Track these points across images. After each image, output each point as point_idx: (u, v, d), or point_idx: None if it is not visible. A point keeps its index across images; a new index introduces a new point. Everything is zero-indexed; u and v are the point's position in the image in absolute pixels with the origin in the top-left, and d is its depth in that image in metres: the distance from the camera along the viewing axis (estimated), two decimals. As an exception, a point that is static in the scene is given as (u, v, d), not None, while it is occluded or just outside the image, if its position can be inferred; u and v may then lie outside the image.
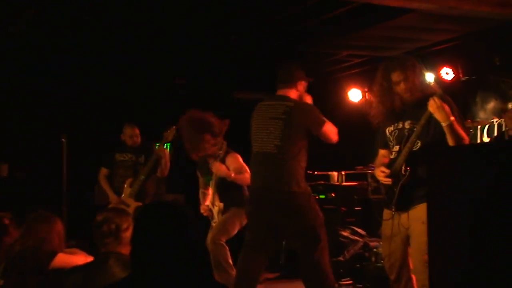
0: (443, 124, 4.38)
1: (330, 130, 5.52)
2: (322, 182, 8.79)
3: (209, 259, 6.09)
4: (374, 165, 5.10)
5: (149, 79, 9.71)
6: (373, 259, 7.22)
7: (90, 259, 4.20)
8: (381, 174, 4.69)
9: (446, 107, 4.37)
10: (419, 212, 4.42)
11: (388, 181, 4.60)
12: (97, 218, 3.91)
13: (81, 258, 4.31)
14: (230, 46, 8.88)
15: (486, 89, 8.72)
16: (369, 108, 4.96)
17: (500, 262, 2.52)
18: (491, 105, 8.63)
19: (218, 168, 6.36)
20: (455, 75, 8.52)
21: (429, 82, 4.85)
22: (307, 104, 5.59)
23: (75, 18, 7.47)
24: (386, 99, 4.73)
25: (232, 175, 6.41)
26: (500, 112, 8.19)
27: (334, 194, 8.60)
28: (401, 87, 4.61)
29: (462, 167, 2.71)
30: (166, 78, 9.89)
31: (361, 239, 7.78)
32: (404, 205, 4.55)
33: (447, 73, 8.50)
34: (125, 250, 3.78)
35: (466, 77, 8.61)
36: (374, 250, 7.28)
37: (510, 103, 7.94)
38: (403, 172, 4.53)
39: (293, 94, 5.61)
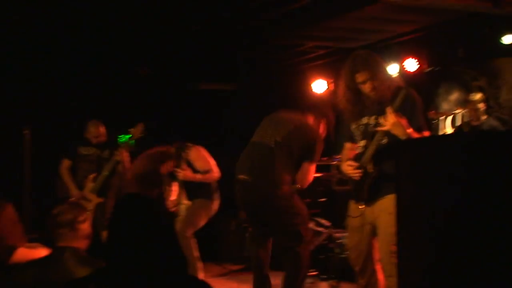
0: (402, 138, 4.34)
1: (312, 171, 5.83)
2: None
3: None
4: (340, 158, 5.07)
5: (113, 69, 9.58)
6: (338, 250, 7.25)
7: (46, 251, 4.11)
8: (349, 168, 4.65)
9: (403, 121, 4.36)
10: (386, 203, 4.43)
11: (357, 173, 4.57)
12: (53, 210, 3.85)
13: (42, 253, 4.21)
14: (194, 37, 8.79)
15: (449, 80, 8.80)
16: (337, 105, 4.94)
17: (468, 251, 2.52)
18: (455, 96, 8.71)
19: (184, 175, 6.34)
20: (419, 67, 8.56)
21: (392, 75, 4.81)
22: (320, 135, 5.87)
23: (36, 7, 7.30)
24: (352, 99, 4.71)
25: (198, 176, 6.38)
26: (464, 103, 8.27)
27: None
28: (367, 86, 4.59)
29: (429, 158, 2.69)
30: (130, 69, 9.76)
31: (325, 230, 7.77)
32: (371, 199, 4.55)
33: (410, 65, 8.53)
34: (81, 244, 3.75)
35: (430, 68, 8.67)
36: (339, 241, 7.33)
37: (472, 94, 8.01)
38: (371, 168, 4.52)
39: (310, 119, 5.92)
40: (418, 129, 4.42)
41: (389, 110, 4.34)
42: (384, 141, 4.53)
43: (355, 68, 4.60)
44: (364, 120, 4.71)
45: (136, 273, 2.46)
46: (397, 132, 4.34)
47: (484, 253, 2.46)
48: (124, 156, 7.23)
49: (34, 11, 7.47)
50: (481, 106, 7.75)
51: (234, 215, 8.97)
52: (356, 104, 4.72)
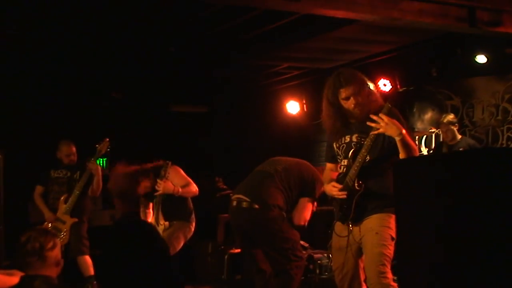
0: (396, 139, 4.32)
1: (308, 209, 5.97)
2: (264, 195, 8.69)
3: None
4: (323, 179, 5.02)
5: (86, 93, 9.50)
6: (317, 271, 7.22)
7: (15, 280, 4.01)
8: (333, 189, 4.60)
9: (395, 121, 4.33)
10: (372, 223, 4.40)
11: (343, 195, 4.53)
12: (21, 238, 3.76)
13: (15, 280, 4.11)
14: (167, 59, 8.76)
15: (423, 99, 8.88)
16: (321, 122, 4.91)
17: (467, 263, 2.58)
18: (428, 115, 8.78)
19: (165, 187, 6.25)
20: (393, 86, 8.62)
21: (375, 93, 4.78)
22: (319, 176, 5.81)
23: (10, 32, 7.22)
24: (335, 115, 4.67)
25: (180, 190, 6.33)
26: (437, 123, 8.33)
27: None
28: (350, 103, 4.54)
29: (427, 177, 2.73)
30: (103, 92, 9.69)
31: (304, 252, 7.73)
32: (357, 218, 4.50)
33: (384, 84, 8.60)
34: (50, 271, 3.65)
35: (404, 88, 8.73)
36: (318, 262, 7.30)
37: (445, 114, 8.08)
38: (356, 186, 4.47)
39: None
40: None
41: (381, 114, 4.31)
42: (367, 158, 4.49)
43: (339, 84, 4.54)
44: (347, 138, 4.65)
45: None
46: (392, 132, 4.29)
47: (485, 272, 2.50)
48: (97, 169, 7.14)
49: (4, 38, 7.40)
50: (455, 125, 7.83)
51: (211, 237, 8.91)
52: (338, 121, 4.67)
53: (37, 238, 3.60)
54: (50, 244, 3.62)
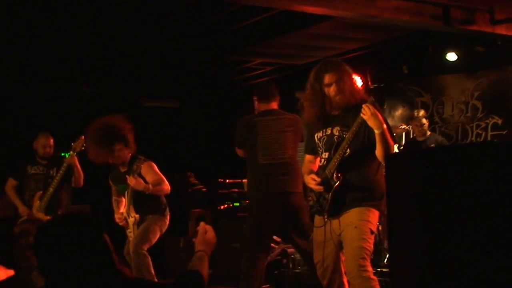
0: (376, 132, 4.38)
1: None
2: (236, 190, 8.77)
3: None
4: (302, 171, 5.06)
5: (57, 86, 9.42)
6: (291, 265, 7.26)
7: (10, 272, 4.01)
8: (312, 181, 4.64)
9: (379, 115, 4.40)
10: (351, 217, 4.46)
11: (320, 188, 4.58)
12: (15, 231, 3.77)
13: (1, 272, 4.11)
14: (139, 53, 8.73)
15: (394, 96, 8.99)
16: (300, 111, 4.96)
17: (457, 256, 2.66)
18: (399, 112, 8.89)
19: (136, 183, 6.21)
20: (364, 83, 8.69)
21: (359, 87, 4.84)
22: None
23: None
24: (316, 102, 4.70)
25: (151, 187, 6.29)
26: (408, 119, 8.45)
27: (248, 201, 8.57)
28: (332, 89, 4.57)
29: (419, 170, 2.81)
30: (74, 85, 9.62)
31: (277, 246, 7.79)
32: (335, 211, 4.55)
33: (356, 81, 8.65)
34: None
35: (375, 85, 8.82)
36: (292, 256, 7.33)
37: (416, 110, 8.20)
38: (334, 179, 4.52)
39: (276, 107, 6.24)
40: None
41: (368, 103, 4.37)
42: (348, 151, 4.54)
43: (324, 69, 4.61)
44: (328, 131, 4.69)
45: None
46: (373, 123, 4.35)
47: (477, 265, 2.59)
48: (75, 159, 7.11)
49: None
50: (425, 122, 7.95)
51: (183, 232, 8.91)
52: (319, 111, 4.70)
53: (31, 231, 3.61)
54: None
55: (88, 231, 2.58)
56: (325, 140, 4.70)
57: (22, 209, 7.26)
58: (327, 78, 4.58)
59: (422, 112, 8.07)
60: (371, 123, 4.37)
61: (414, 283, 2.77)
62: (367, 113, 4.35)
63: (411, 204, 2.85)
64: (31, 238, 3.62)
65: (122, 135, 6.36)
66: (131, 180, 6.20)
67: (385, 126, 4.40)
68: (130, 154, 6.42)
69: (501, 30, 6.61)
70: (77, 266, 2.49)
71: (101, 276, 2.54)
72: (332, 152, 4.60)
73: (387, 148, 4.40)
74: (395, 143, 4.65)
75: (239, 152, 6.32)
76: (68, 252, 2.49)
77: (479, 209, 2.57)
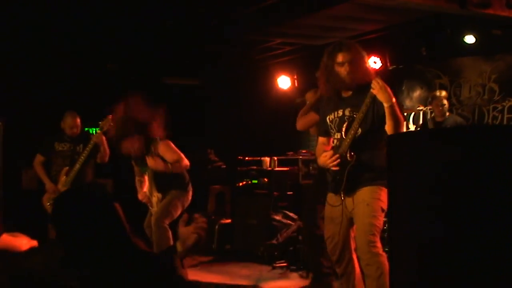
0: (386, 105, 4.47)
1: None
2: (255, 167, 8.91)
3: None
4: (316, 153, 5.17)
5: (81, 63, 9.61)
6: (306, 242, 7.41)
7: (33, 242, 4.17)
8: (326, 158, 4.78)
9: (389, 89, 4.49)
10: (363, 194, 4.60)
11: (335, 164, 4.71)
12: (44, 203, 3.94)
13: (24, 241, 4.26)
14: (162, 32, 8.88)
15: (412, 78, 9.08)
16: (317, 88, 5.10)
17: (458, 237, 2.65)
18: (417, 93, 8.98)
19: (156, 165, 6.37)
20: (383, 64, 8.78)
21: (371, 69, 4.95)
22: None
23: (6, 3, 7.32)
24: (328, 79, 4.80)
25: (170, 166, 6.44)
26: (426, 101, 8.54)
27: (266, 179, 8.74)
28: (344, 69, 4.68)
29: (419, 151, 2.85)
30: (98, 63, 9.80)
31: (293, 223, 7.97)
32: (350, 190, 4.68)
33: (375, 62, 8.74)
34: None
35: (393, 66, 8.92)
36: (307, 233, 7.48)
37: (438, 90, 8.27)
38: (348, 158, 4.65)
39: None
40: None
41: (377, 77, 4.49)
42: (359, 131, 4.67)
43: (339, 48, 4.71)
44: (339, 112, 4.80)
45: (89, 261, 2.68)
46: (383, 97, 4.46)
47: (476, 249, 2.61)
48: (102, 138, 7.30)
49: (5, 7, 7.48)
50: (446, 102, 8.01)
51: (202, 208, 9.11)
52: (332, 90, 4.82)
53: None
54: None
55: (98, 199, 2.77)
56: (337, 122, 4.82)
57: (48, 185, 7.48)
58: (340, 57, 4.69)
59: (444, 93, 8.11)
60: (380, 96, 4.48)
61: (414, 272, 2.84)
62: (376, 86, 4.46)
63: (416, 185, 2.82)
64: None
65: (145, 128, 6.46)
66: (150, 162, 6.36)
67: (394, 100, 4.50)
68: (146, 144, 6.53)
69: (517, 13, 6.67)
70: (89, 233, 2.66)
71: (112, 243, 2.69)
72: (343, 132, 4.73)
73: (397, 122, 4.50)
74: (404, 119, 4.78)
75: None
76: (80, 220, 2.68)
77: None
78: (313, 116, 6.05)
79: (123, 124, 6.45)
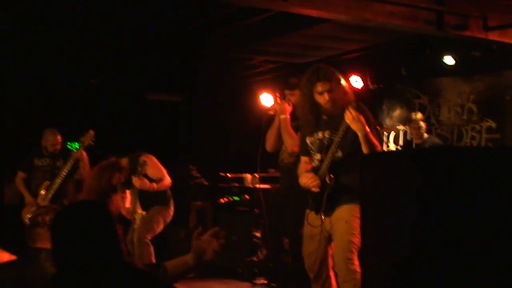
0: (359, 134, 4.58)
1: None
2: (237, 184, 8.96)
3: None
4: (298, 172, 5.25)
5: (64, 78, 9.64)
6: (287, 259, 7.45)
7: (8, 256, 4.19)
8: (307, 180, 4.86)
9: (362, 118, 4.59)
10: (342, 212, 4.69)
11: (316, 187, 4.80)
12: (31, 219, 3.96)
13: (5, 256, 4.28)
14: (146, 47, 8.93)
15: (392, 97, 9.19)
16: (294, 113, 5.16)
17: (433, 260, 2.71)
18: (397, 112, 9.09)
19: (141, 184, 6.40)
20: (364, 83, 8.89)
21: (348, 90, 5.00)
22: None
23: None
24: (307, 108, 4.92)
25: (155, 186, 6.50)
26: (405, 120, 8.64)
27: (248, 196, 8.80)
28: (324, 98, 4.80)
29: (392, 171, 2.92)
30: (82, 78, 9.84)
31: (274, 240, 8.01)
32: (329, 210, 4.78)
33: (356, 81, 8.85)
34: None
35: (374, 86, 9.02)
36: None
37: (413, 112, 8.37)
38: (328, 181, 4.74)
39: None
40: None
41: (350, 106, 4.58)
42: (339, 154, 4.76)
43: (317, 78, 4.80)
44: (319, 134, 4.91)
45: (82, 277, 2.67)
46: (356, 127, 4.56)
47: (449, 265, 2.67)
48: (83, 154, 7.31)
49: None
50: (423, 124, 8.10)
51: (184, 223, 9.12)
52: (310, 115, 4.92)
53: (47, 213, 3.83)
54: None
55: (102, 219, 2.79)
56: (316, 143, 4.92)
57: (28, 198, 7.51)
58: (319, 87, 4.79)
59: (419, 115, 8.21)
60: (353, 126, 4.58)
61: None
62: (348, 117, 4.57)
63: (389, 205, 2.89)
64: (47, 217, 3.83)
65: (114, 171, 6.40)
66: (136, 182, 6.39)
67: (367, 129, 4.58)
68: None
69: (494, 36, 6.77)
70: (87, 252, 2.65)
71: (108, 264, 2.69)
72: (323, 154, 4.82)
73: (372, 149, 4.60)
74: (380, 143, 4.87)
75: None
76: (81, 237, 2.68)
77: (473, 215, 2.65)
78: (277, 135, 6.09)
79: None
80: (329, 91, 4.77)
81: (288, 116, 5.90)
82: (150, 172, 6.54)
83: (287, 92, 6.00)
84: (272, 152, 6.33)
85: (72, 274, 2.69)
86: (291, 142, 5.82)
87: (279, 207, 6.58)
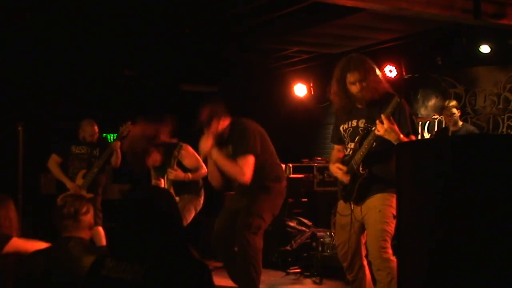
0: (394, 143, 4.48)
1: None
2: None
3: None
4: (330, 158, 5.27)
5: (100, 70, 9.75)
6: (320, 248, 7.47)
7: (45, 245, 4.26)
8: (338, 171, 4.87)
9: (395, 128, 4.50)
10: (375, 201, 4.66)
11: (346, 179, 4.80)
12: (58, 202, 4.03)
13: (35, 244, 4.35)
14: (180, 39, 8.99)
15: (427, 87, 9.11)
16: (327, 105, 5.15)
17: (466, 252, 2.70)
18: (432, 102, 9.01)
19: (176, 175, 6.45)
20: (398, 73, 8.86)
21: (382, 80, 4.97)
22: None
23: (30, 8, 7.45)
24: (342, 98, 4.91)
25: (190, 176, 6.54)
26: (441, 109, 8.57)
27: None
28: (355, 88, 4.76)
29: (429, 159, 2.92)
30: (116, 70, 9.94)
31: (307, 230, 8.03)
32: (359, 199, 4.76)
33: (390, 71, 8.83)
34: (85, 234, 3.90)
35: (409, 75, 8.97)
36: (321, 240, 7.55)
37: (448, 100, 8.32)
38: (361, 171, 4.72)
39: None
40: (406, 134, 4.63)
41: (383, 116, 4.52)
42: (374, 145, 4.74)
43: (347, 68, 4.77)
44: (353, 123, 4.88)
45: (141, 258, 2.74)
46: (390, 137, 4.50)
47: (483, 253, 2.66)
48: (118, 145, 7.42)
49: (28, 12, 7.62)
50: (456, 111, 8.04)
51: (217, 214, 9.16)
52: (346, 104, 4.90)
53: (73, 203, 3.87)
54: (84, 209, 3.88)
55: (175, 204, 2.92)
56: (350, 131, 4.89)
57: (70, 184, 7.58)
58: (350, 77, 4.76)
59: (453, 102, 8.15)
60: (387, 137, 4.49)
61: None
62: (381, 129, 4.48)
63: (425, 193, 2.87)
64: (72, 208, 3.89)
65: (148, 149, 6.52)
66: (170, 174, 6.44)
67: (402, 136, 4.50)
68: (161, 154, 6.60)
69: (531, 24, 6.70)
70: (158, 232, 2.77)
71: (172, 247, 2.78)
72: (357, 144, 4.78)
73: None
74: (416, 134, 4.84)
75: None
76: (159, 218, 2.79)
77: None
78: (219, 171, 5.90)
79: (135, 146, 6.51)
80: (361, 81, 4.74)
81: (216, 149, 5.74)
82: (187, 162, 6.57)
83: (205, 130, 5.88)
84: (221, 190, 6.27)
85: (141, 251, 2.77)
86: (237, 175, 5.67)
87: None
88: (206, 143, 5.80)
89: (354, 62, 4.81)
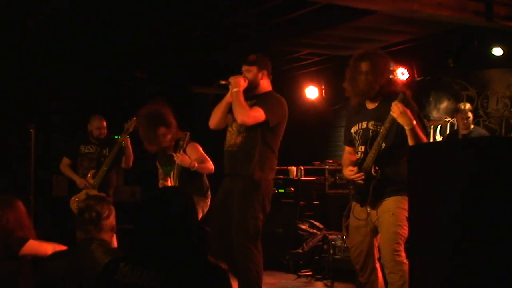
0: (406, 128, 4.52)
1: None
2: (282, 176, 8.97)
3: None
4: (342, 162, 5.25)
5: (111, 72, 9.78)
6: (331, 251, 7.45)
7: (60, 247, 4.26)
8: (351, 174, 4.84)
9: (409, 112, 4.52)
10: (388, 204, 4.65)
11: (361, 178, 4.77)
12: (80, 206, 3.99)
13: (51, 246, 4.35)
14: (191, 42, 9.00)
15: (439, 89, 9.09)
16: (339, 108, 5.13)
17: (479, 251, 2.70)
18: (444, 105, 9.00)
19: (182, 159, 6.42)
20: (410, 75, 8.83)
21: (394, 81, 4.95)
22: None
23: (42, 9, 7.49)
24: (352, 85, 4.86)
25: (196, 164, 6.51)
26: (452, 112, 8.55)
27: (293, 188, 8.81)
28: (364, 77, 4.73)
29: (441, 161, 2.91)
30: (128, 72, 9.96)
31: (319, 232, 8.02)
32: (374, 202, 4.75)
33: (402, 73, 8.80)
34: (107, 236, 3.87)
35: (421, 78, 8.95)
36: (332, 242, 7.53)
37: (463, 103, 8.29)
38: (373, 173, 4.71)
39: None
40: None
41: (397, 101, 4.51)
42: (383, 145, 4.72)
43: (362, 57, 4.76)
44: (363, 124, 4.86)
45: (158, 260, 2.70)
46: (403, 121, 4.50)
47: (499, 258, 2.67)
48: (127, 142, 7.42)
49: (39, 13, 7.65)
50: (470, 115, 8.02)
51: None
52: (356, 102, 4.87)
53: (94, 207, 3.81)
54: (106, 213, 3.82)
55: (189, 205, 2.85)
56: (360, 133, 4.88)
57: (79, 181, 7.54)
58: (362, 66, 4.74)
59: (468, 106, 8.12)
60: (400, 120, 4.52)
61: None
62: (395, 111, 4.51)
63: (437, 195, 2.88)
64: (93, 213, 3.87)
65: (164, 119, 6.58)
66: (177, 157, 6.40)
67: (414, 122, 4.52)
68: (172, 138, 6.62)
69: (543, 26, 6.67)
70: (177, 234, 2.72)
71: (190, 251, 2.72)
72: (368, 146, 4.77)
73: (418, 142, 4.53)
74: (427, 136, 4.82)
75: None
76: (181, 219, 2.74)
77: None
78: (224, 111, 5.80)
79: (149, 118, 6.55)
80: (369, 72, 4.71)
81: (241, 91, 5.59)
82: (194, 156, 6.53)
83: (244, 68, 5.80)
84: (214, 129, 5.96)
85: (158, 254, 2.72)
86: (242, 112, 5.50)
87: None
88: (238, 79, 5.62)
89: (368, 54, 4.81)
